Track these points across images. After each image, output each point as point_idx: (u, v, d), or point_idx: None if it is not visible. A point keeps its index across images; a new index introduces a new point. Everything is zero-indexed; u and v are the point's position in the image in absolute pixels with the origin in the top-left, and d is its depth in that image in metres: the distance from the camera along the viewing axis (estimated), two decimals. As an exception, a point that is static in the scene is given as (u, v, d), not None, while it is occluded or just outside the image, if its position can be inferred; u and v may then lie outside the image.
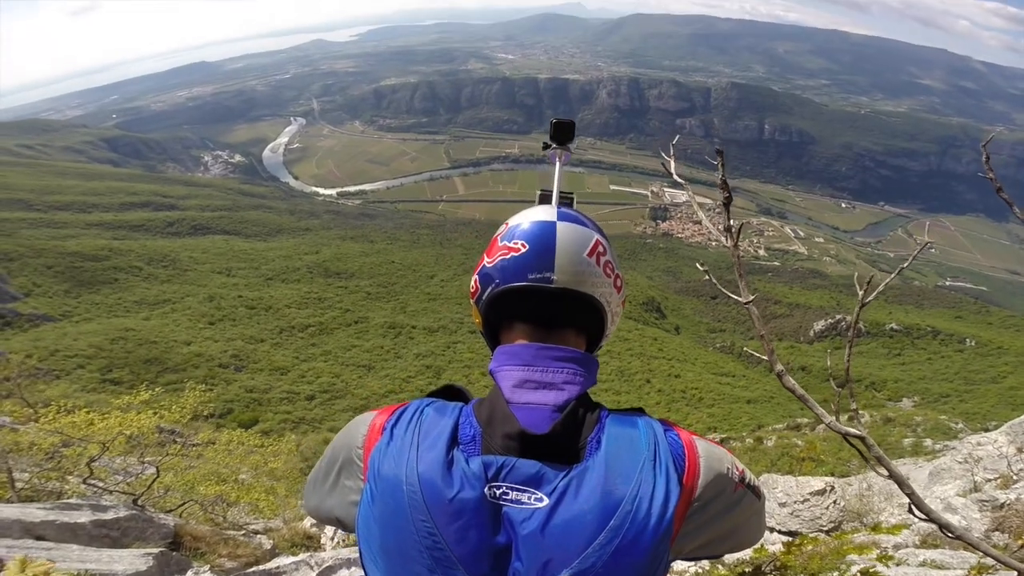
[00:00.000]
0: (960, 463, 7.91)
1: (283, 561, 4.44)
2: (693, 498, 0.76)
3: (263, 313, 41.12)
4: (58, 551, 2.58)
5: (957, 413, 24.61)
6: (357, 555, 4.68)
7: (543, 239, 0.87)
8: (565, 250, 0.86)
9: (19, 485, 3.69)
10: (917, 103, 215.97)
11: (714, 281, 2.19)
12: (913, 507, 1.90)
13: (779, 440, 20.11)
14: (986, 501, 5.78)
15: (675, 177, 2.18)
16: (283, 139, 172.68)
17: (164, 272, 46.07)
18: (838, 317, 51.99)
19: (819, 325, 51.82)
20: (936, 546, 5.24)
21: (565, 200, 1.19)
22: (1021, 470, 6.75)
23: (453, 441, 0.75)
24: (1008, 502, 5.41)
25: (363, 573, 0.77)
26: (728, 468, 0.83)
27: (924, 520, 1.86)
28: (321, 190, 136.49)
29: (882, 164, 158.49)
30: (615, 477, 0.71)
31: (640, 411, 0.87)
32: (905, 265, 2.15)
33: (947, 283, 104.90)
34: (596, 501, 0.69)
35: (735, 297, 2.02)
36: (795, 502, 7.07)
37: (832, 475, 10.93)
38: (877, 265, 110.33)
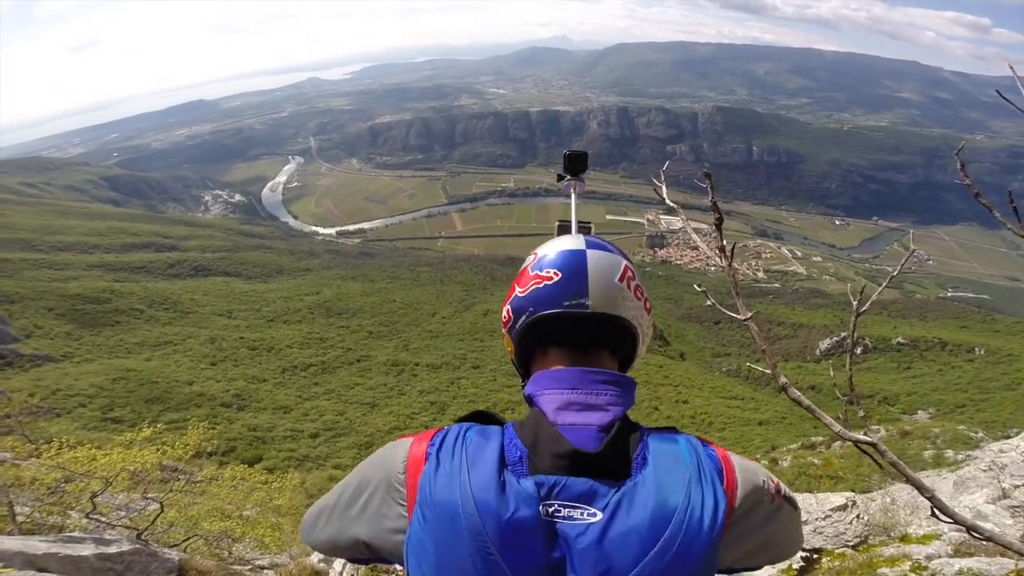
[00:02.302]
0: (985, 471, 7.70)
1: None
2: (735, 507, 0.81)
3: (265, 353, 40.90)
4: (60, 584, 2.45)
5: (976, 422, 24.18)
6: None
7: (575, 267, 0.93)
8: (597, 276, 0.91)
9: (20, 519, 3.57)
10: (897, 116, 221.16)
11: (711, 300, 2.16)
12: (936, 511, 1.79)
13: (795, 460, 19.70)
14: (1017, 507, 5.58)
15: (668, 202, 2.18)
16: (282, 178, 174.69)
17: (165, 315, 46.00)
18: (843, 334, 51.77)
19: (825, 344, 51.58)
20: (971, 554, 4.94)
21: (584, 228, 1.31)
22: None
23: (502, 463, 0.77)
24: None
25: None
26: (764, 480, 0.87)
27: (949, 524, 1.76)
28: (320, 229, 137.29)
29: (871, 179, 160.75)
30: (665, 490, 0.76)
31: (674, 429, 0.90)
32: (895, 273, 2.11)
33: (948, 294, 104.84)
34: (649, 513, 0.74)
35: (733, 315, 1.98)
36: (816, 519, 6.85)
37: (852, 491, 10.65)
38: (876, 280, 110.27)
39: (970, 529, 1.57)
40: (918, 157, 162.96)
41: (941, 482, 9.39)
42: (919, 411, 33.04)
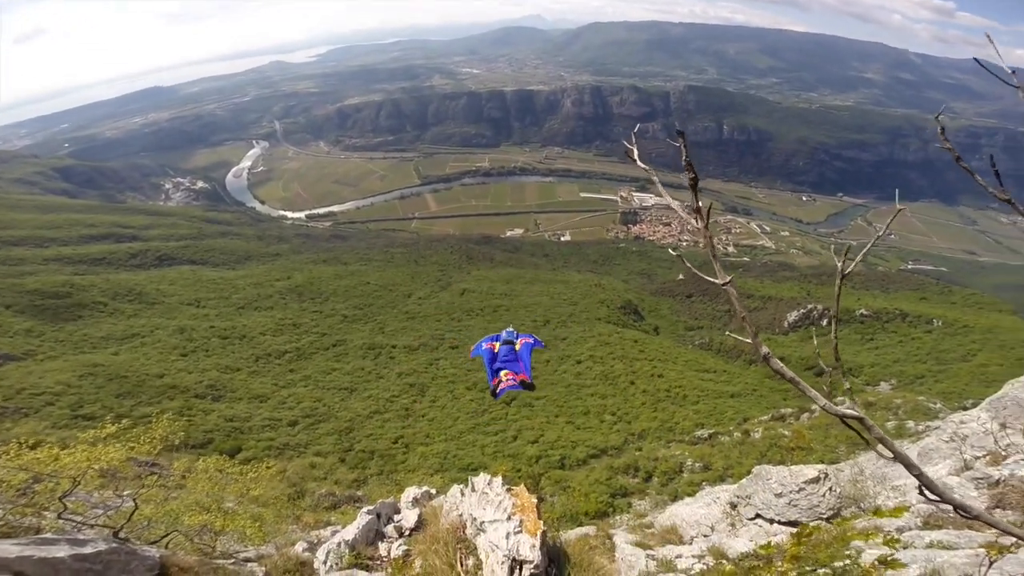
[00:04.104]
0: (947, 442, 7.95)
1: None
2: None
3: (237, 342, 40.06)
4: (36, 590, 2.36)
5: (934, 393, 25.31)
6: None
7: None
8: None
9: (-8, 522, 3.45)
10: (862, 96, 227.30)
11: (687, 264, 2.13)
12: (924, 490, 1.73)
13: (766, 432, 20.36)
14: (980, 479, 5.76)
15: (639, 164, 2.14)
16: (246, 163, 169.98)
17: (130, 306, 44.50)
18: (810, 306, 53.21)
19: (792, 316, 52.88)
20: (939, 527, 5.09)
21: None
22: (1008, 446, 6.75)
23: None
24: (1003, 478, 5.53)
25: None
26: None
27: (937, 502, 1.76)
28: (289, 213, 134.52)
29: (836, 157, 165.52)
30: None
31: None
32: (880, 233, 2.13)
33: (909, 266, 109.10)
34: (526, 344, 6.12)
35: (711, 280, 1.93)
36: (791, 492, 7.02)
37: (822, 462, 11.04)
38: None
39: (958, 508, 1.56)
40: (881, 136, 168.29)
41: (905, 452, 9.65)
42: (881, 382, 34.41)
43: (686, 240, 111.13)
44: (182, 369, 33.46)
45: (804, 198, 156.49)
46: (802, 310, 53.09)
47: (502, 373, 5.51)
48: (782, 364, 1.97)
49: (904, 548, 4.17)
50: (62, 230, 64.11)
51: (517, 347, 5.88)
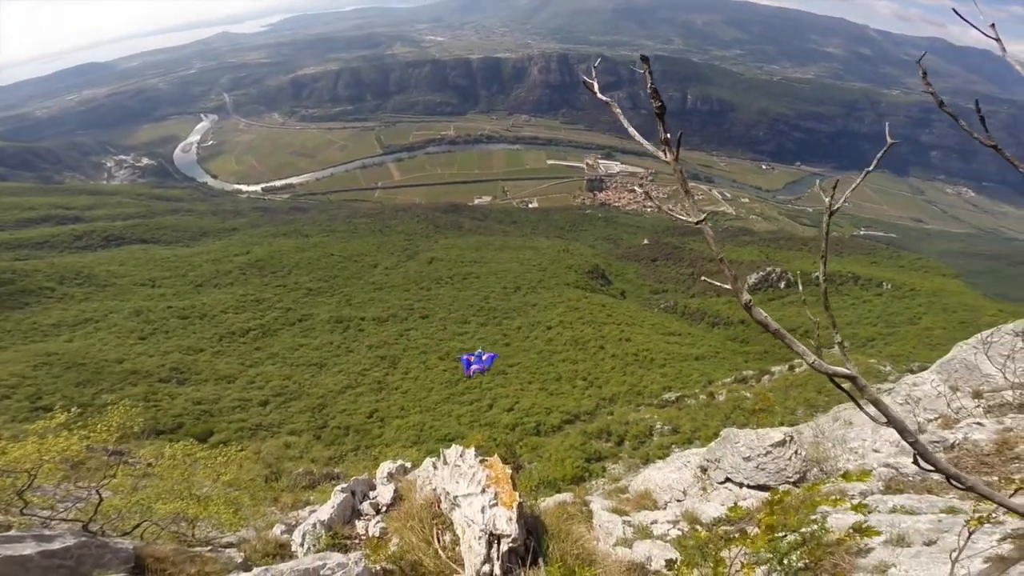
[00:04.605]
0: (901, 405, 8.20)
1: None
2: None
3: (198, 321, 38.81)
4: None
5: (884, 356, 26.66)
6: (322, 563, 4.47)
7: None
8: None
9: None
10: (821, 69, 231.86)
11: (657, 205, 2.08)
12: (919, 459, 1.70)
13: (729, 394, 21.13)
14: (936, 442, 5.91)
15: (599, 96, 2.07)
16: (195, 137, 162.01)
17: (80, 290, 42.35)
18: (769, 269, 55.03)
19: (753, 278, 54.60)
20: (900, 491, 5.21)
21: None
22: (959, 409, 7.05)
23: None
24: (957, 442, 5.72)
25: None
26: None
27: (932, 471, 1.76)
28: (244, 187, 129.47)
29: (795, 127, 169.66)
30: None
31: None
32: (871, 167, 2.09)
33: (861, 232, 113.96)
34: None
35: (685, 218, 1.88)
36: (759, 455, 7.23)
37: (783, 424, 11.48)
38: (798, 219, 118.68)
39: (951, 478, 1.55)
40: (839, 108, 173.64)
41: (859, 415, 10.10)
42: (835, 346, 36.04)
43: (649, 206, 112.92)
44: (142, 353, 32.27)
45: (764, 166, 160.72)
46: (761, 272, 54.89)
47: (472, 368, 9.31)
48: (766, 315, 1.94)
49: (869, 512, 4.24)
50: (-3, 213, 60.09)
51: (484, 358, 9.52)
